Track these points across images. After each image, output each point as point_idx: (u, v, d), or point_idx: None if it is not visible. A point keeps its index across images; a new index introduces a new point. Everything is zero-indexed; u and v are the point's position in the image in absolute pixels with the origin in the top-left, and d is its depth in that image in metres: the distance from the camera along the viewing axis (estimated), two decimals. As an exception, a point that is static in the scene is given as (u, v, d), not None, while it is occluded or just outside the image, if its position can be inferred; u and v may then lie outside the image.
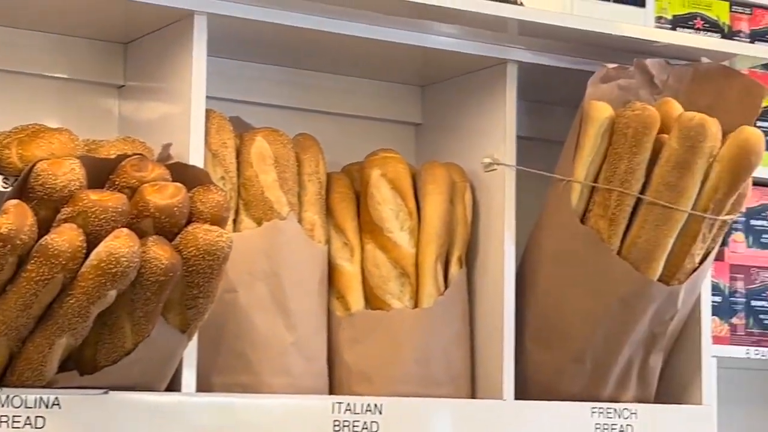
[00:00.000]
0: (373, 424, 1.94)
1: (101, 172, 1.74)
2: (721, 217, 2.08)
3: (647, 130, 2.04)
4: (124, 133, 1.99)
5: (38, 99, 2.04)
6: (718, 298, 2.57)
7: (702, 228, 2.07)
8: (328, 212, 2.06)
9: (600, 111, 2.07)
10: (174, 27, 1.93)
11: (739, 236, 2.64)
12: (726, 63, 2.21)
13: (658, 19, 2.57)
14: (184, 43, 1.89)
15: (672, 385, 2.23)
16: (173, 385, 1.82)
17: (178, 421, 1.80)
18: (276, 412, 1.89)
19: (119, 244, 1.64)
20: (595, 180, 2.07)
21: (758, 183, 2.47)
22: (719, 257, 2.51)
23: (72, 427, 1.71)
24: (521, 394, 2.10)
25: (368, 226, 2.06)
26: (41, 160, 1.70)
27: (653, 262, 2.06)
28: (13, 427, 1.66)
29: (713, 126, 2.04)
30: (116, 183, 1.73)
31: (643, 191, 2.05)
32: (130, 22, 1.99)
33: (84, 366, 1.73)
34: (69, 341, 1.68)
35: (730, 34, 2.64)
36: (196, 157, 1.86)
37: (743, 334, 2.62)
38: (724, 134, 2.06)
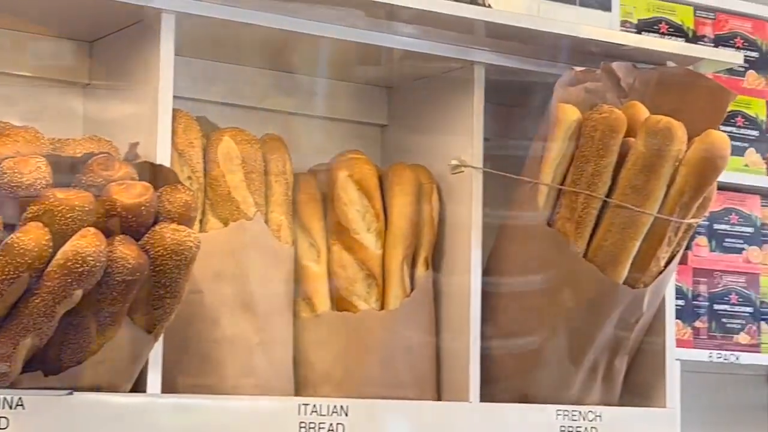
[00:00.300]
0: (339, 426, 1.93)
1: (68, 171, 1.72)
2: (686, 220, 2.09)
3: (614, 133, 2.04)
4: (90, 132, 1.97)
5: (3, 97, 2.01)
6: (681, 302, 2.58)
7: (668, 231, 2.08)
8: (295, 213, 2.06)
9: (567, 114, 2.07)
10: (141, 25, 1.91)
11: (702, 240, 2.66)
12: (691, 67, 2.22)
13: (624, 23, 2.58)
14: (151, 41, 1.88)
15: (636, 388, 2.23)
16: (138, 386, 1.80)
17: (142, 422, 1.79)
18: (241, 413, 1.88)
19: (86, 243, 1.63)
20: (562, 183, 2.08)
21: (721, 187, 2.49)
22: (682, 261, 2.53)
23: (36, 427, 1.69)
24: (487, 396, 2.10)
25: (335, 228, 2.05)
26: (7, 158, 1.68)
27: (619, 265, 2.07)
28: (-24, 428, 1.65)
29: (679, 129, 2.05)
30: (83, 182, 1.71)
31: (609, 194, 2.06)
32: (96, 20, 1.97)
33: (49, 366, 1.71)
34: (34, 341, 1.66)
35: (694, 39, 2.66)
36: (162, 157, 1.84)
37: (706, 337, 2.63)
38: (690, 138, 2.06)
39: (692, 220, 2.10)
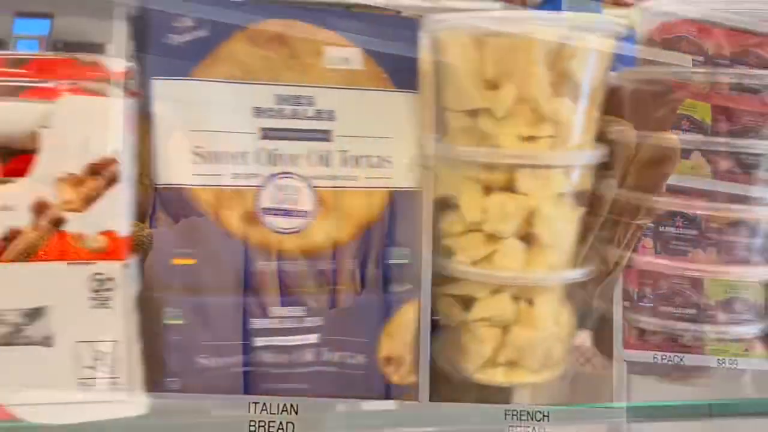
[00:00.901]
0: (289, 425, 1.93)
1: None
2: (636, 222, 2.10)
3: (565, 134, 2.06)
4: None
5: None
6: (626, 303, 2.59)
7: (617, 233, 2.09)
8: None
9: (519, 114, 2.08)
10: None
11: (647, 242, 2.67)
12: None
13: (572, 25, 2.58)
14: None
15: (583, 388, 2.25)
16: (87, 383, 1.80)
17: (92, 422, 1.78)
18: (190, 412, 1.87)
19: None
20: (513, 183, 2.08)
21: (667, 190, 2.49)
22: (627, 263, 2.53)
23: (-17, 425, 1.68)
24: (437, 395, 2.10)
25: (286, 225, 2.05)
26: (-44, 149, 1.67)
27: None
28: None
29: (630, 131, 2.06)
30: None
31: (560, 194, 2.07)
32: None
33: None
34: (-18, 337, 1.65)
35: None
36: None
37: (651, 339, 2.64)
38: (641, 140, 2.08)
39: (641, 221, 2.12)
